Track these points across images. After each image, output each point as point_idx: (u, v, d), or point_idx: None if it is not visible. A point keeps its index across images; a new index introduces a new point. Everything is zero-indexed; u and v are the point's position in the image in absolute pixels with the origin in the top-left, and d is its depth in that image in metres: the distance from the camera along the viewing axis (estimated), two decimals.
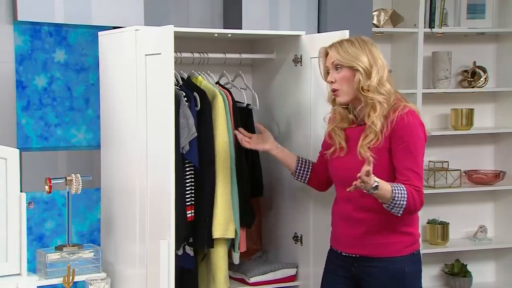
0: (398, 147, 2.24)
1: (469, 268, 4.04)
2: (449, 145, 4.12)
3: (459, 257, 4.07)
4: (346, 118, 2.37)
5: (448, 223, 4.00)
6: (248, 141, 2.62)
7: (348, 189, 2.16)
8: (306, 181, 2.57)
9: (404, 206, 2.19)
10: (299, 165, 2.56)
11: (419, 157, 2.26)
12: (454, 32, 4.01)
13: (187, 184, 2.60)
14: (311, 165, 2.57)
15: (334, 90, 2.33)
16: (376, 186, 2.13)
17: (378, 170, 2.20)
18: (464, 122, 3.98)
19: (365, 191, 2.15)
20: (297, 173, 2.57)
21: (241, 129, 2.65)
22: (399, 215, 2.22)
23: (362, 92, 2.27)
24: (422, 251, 3.83)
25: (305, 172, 2.56)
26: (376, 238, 2.28)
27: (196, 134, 2.55)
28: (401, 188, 2.19)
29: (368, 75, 2.27)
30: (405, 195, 2.19)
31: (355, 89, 2.28)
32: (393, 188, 2.18)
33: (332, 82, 2.32)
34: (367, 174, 2.10)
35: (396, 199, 2.18)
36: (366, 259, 2.30)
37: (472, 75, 4.08)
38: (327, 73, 2.35)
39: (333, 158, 2.38)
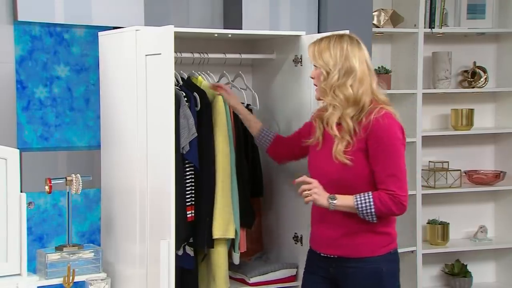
0: (376, 150, 2.24)
1: (469, 268, 4.04)
2: (449, 145, 4.12)
3: (459, 257, 4.07)
4: None
5: (448, 223, 4.00)
6: (227, 96, 2.66)
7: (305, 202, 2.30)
8: (264, 149, 2.67)
9: (373, 213, 2.23)
10: (261, 133, 2.65)
11: (399, 159, 2.26)
12: (454, 32, 4.01)
13: (187, 184, 2.60)
14: (272, 137, 2.64)
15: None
16: (333, 204, 2.24)
17: (357, 173, 2.25)
18: (464, 122, 3.98)
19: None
20: (258, 139, 2.67)
21: (223, 86, 2.70)
22: (374, 221, 2.25)
23: (321, 93, 2.32)
24: (422, 251, 3.88)
25: (265, 141, 2.65)
26: (353, 239, 2.30)
27: (196, 134, 2.54)
28: (366, 197, 2.23)
29: (327, 76, 2.29)
30: (371, 202, 2.22)
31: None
32: (355, 199, 2.23)
33: (312, 77, 2.39)
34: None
35: (360, 208, 2.23)
36: (344, 260, 2.31)
37: (472, 75, 4.08)
38: None
39: (312, 148, 2.41)
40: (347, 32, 2.39)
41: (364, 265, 2.28)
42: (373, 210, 2.22)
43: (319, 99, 2.38)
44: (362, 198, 2.23)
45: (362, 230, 2.28)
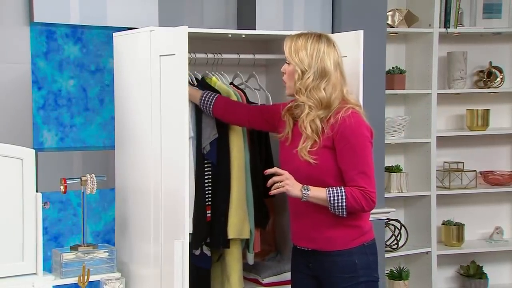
0: (343, 148, 2.26)
1: (485, 269, 4.01)
2: (465, 145, 4.10)
3: (474, 258, 4.04)
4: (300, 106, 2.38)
5: (464, 224, 3.98)
6: None
7: (270, 193, 2.30)
8: (210, 111, 2.57)
9: (344, 208, 2.24)
10: (203, 95, 2.57)
11: (366, 156, 2.27)
12: (469, 32, 3.98)
13: (206, 184, 2.61)
14: (215, 98, 2.56)
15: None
16: (306, 194, 2.23)
17: (323, 170, 2.27)
18: (480, 123, 3.96)
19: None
20: (201, 103, 2.57)
21: None
22: (344, 216, 2.26)
23: (295, 92, 2.32)
24: (437, 253, 3.85)
25: (208, 103, 2.56)
26: (323, 232, 2.32)
27: (217, 135, 2.57)
28: (338, 191, 2.25)
29: (302, 76, 2.30)
30: (343, 197, 2.24)
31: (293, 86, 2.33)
32: (328, 192, 2.25)
33: (283, 73, 2.39)
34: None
35: (332, 202, 2.25)
36: (319, 253, 2.34)
37: (488, 75, 4.05)
38: None
39: (282, 143, 2.43)
40: (323, 32, 2.39)
41: (337, 258, 2.31)
42: (344, 204, 2.24)
43: (290, 95, 2.39)
44: (335, 192, 2.25)
45: (332, 223, 2.30)
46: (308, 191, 2.26)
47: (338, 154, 2.27)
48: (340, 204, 2.25)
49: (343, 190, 2.25)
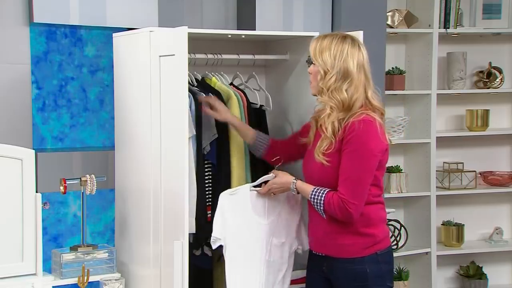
0: (344, 152, 2.25)
1: (484, 270, 4.01)
2: (464, 146, 4.10)
3: (474, 259, 4.04)
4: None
5: (463, 225, 3.98)
6: (215, 113, 2.52)
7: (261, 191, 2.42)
8: (260, 155, 2.60)
9: (322, 210, 2.28)
10: (257, 140, 2.58)
11: (361, 165, 2.22)
12: (469, 33, 3.98)
13: (206, 185, 2.61)
14: (267, 142, 2.58)
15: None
16: (293, 188, 2.35)
17: (333, 173, 2.27)
18: (480, 123, 3.96)
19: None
20: (254, 146, 2.59)
21: (211, 98, 2.54)
22: (324, 217, 2.29)
23: (318, 92, 2.33)
24: (437, 253, 3.86)
25: (260, 147, 2.57)
26: (336, 238, 2.32)
27: (217, 135, 2.57)
28: (320, 192, 2.27)
29: (325, 76, 2.29)
30: (322, 200, 2.26)
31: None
32: (312, 191, 2.29)
33: (310, 73, 2.39)
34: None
35: (313, 201, 2.29)
36: (332, 259, 2.34)
37: (487, 76, 4.05)
38: None
39: (307, 148, 2.45)
40: (350, 33, 2.38)
41: (349, 265, 2.30)
42: (322, 208, 2.27)
43: (314, 95, 2.40)
44: (317, 193, 2.28)
45: (344, 231, 2.30)
46: (295, 186, 2.34)
47: (341, 156, 2.25)
48: (319, 206, 2.28)
49: (324, 193, 2.26)
